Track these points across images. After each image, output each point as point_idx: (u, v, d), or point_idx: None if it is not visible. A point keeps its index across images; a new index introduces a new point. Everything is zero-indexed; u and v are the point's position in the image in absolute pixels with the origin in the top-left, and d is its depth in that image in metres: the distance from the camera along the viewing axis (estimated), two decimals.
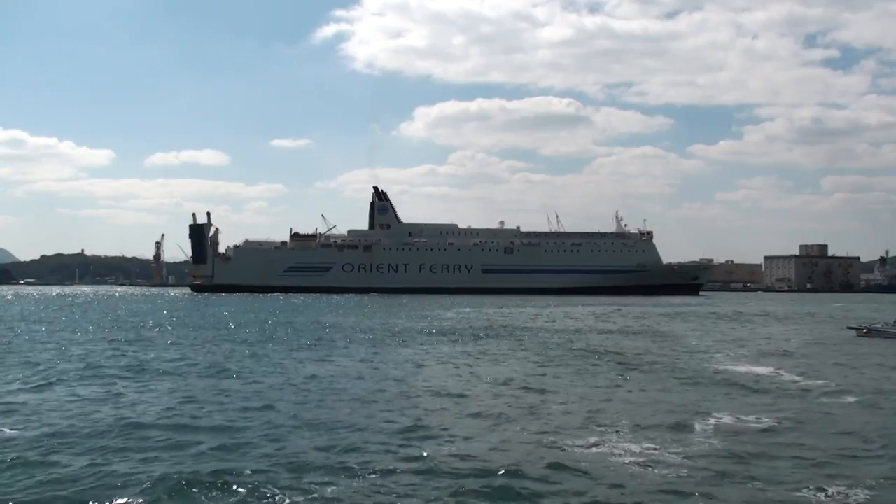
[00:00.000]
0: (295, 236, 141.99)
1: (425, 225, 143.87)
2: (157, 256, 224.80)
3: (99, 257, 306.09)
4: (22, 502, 10.40)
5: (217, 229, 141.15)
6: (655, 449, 13.34)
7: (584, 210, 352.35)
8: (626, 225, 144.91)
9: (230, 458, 12.65)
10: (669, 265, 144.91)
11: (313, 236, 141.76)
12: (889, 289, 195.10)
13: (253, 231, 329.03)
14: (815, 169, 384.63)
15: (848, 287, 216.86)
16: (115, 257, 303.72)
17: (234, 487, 10.94)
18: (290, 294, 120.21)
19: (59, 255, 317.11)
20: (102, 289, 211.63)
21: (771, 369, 25.14)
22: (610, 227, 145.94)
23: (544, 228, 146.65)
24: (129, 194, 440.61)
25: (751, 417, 16.36)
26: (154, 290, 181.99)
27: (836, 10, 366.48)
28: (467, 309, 71.84)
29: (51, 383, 20.90)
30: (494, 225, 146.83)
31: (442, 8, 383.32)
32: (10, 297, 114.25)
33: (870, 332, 39.03)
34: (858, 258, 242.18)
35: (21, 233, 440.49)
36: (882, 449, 13.71)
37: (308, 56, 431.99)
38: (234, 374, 23.41)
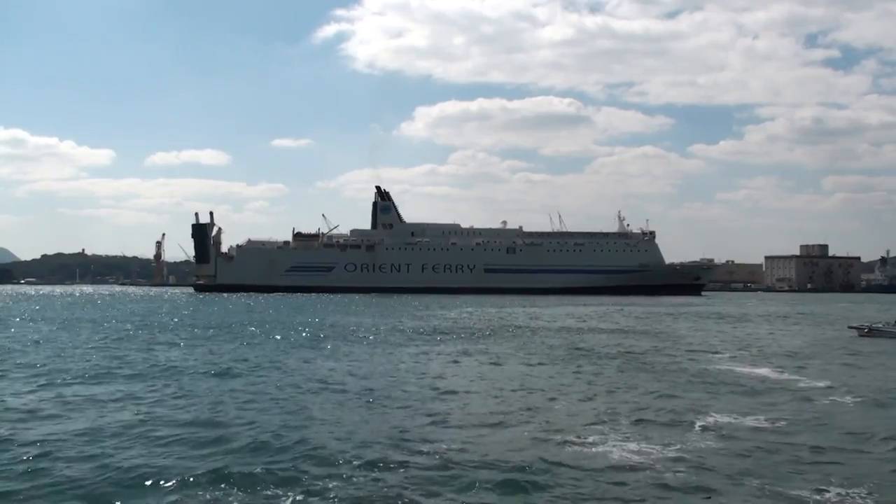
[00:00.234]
0: (298, 236, 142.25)
1: (428, 225, 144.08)
2: (158, 256, 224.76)
3: (99, 257, 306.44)
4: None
5: (220, 229, 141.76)
6: (655, 448, 13.48)
7: (585, 210, 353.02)
8: (628, 225, 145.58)
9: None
10: (672, 265, 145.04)
11: (316, 236, 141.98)
12: (890, 289, 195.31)
13: (253, 231, 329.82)
14: (815, 169, 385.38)
15: (848, 287, 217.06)
16: (115, 257, 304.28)
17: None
18: (294, 294, 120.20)
19: (59, 255, 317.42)
20: (104, 288, 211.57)
21: (772, 369, 25.26)
22: (612, 227, 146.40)
23: (546, 228, 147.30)
24: (129, 194, 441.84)
25: (751, 417, 16.46)
26: (157, 289, 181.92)
27: (836, 10, 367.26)
28: (470, 309, 72.03)
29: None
30: (496, 225, 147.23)
31: (442, 8, 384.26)
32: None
33: (871, 332, 39.19)
34: (859, 258, 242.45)
35: (22, 232, 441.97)
36: (883, 449, 13.85)
37: (309, 56, 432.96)
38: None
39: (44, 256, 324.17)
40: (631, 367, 25.52)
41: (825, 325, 51.85)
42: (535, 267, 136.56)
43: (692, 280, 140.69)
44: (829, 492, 11.01)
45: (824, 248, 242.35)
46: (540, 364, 26.65)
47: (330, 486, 11.07)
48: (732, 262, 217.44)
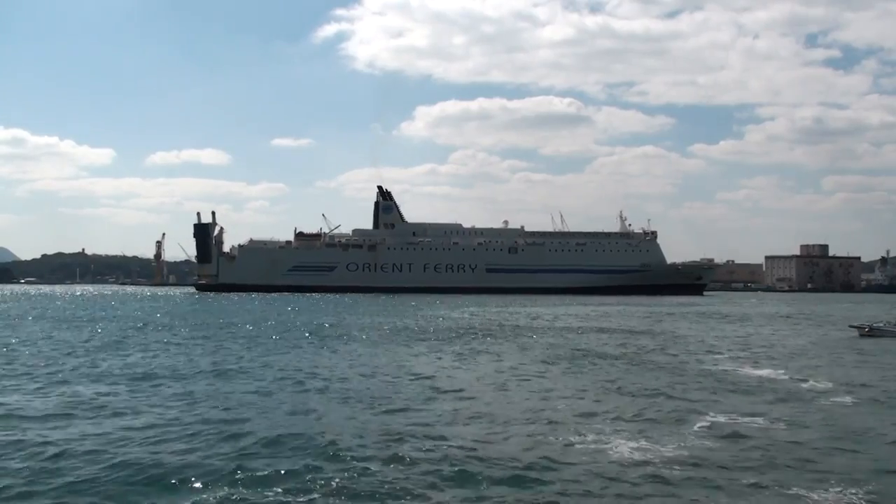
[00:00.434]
0: (299, 236, 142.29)
1: (429, 224, 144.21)
2: (158, 256, 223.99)
3: (100, 256, 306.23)
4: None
5: (222, 228, 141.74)
6: (656, 447, 13.61)
7: (586, 210, 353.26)
8: (630, 225, 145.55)
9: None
10: (674, 265, 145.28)
11: (318, 236, 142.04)
12: (890, 289, 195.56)
13: (253, 231, 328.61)
14: (816, 169, 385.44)
15: (849, 287, 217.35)
16: (115, 256, 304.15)
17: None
18: (296, 294, 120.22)
19: (59, 255, 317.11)
20: (105, 288, 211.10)
21: (773, 369, 25.43)
22: (613, 227, 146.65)
23: (547, 228, 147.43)
24: (129, 193, 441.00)
25: (751, 417, 16.56)
26: (158, 289, 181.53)
27: (837, 10, 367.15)
28: (472, 308, 72.25)
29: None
30: (496, 224, 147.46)
31: (443, 7, 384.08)
32: (33, 294, 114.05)
33: (871, 331, 39.37)
34: (859, 258, 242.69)
35: (22, 232, 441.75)
36: (883, 448, 13.97)
37: (309, 55, 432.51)
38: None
39: (44, 256, 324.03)
40: (632, 367, 25.74)
41: (826, 325, 52.01)
42: (537, 267, 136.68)
43: (694, 280, 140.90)
44: (828, 491, 11.09)
45: (824, 248, 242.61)
46: (541, 364, 26.86)
47: (332, 484, 11.23)
48: (733, 261, 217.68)
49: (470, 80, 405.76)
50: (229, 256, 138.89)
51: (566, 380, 22.73)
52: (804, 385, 21.67)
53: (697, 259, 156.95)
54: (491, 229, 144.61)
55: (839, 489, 11.17)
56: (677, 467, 12.29)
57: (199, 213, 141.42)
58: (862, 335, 39.27)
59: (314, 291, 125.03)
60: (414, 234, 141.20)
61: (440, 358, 28.63)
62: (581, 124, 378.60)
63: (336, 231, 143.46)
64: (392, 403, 18.19)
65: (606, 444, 13.86)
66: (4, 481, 11.42)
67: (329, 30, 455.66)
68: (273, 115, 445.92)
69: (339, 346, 33.50)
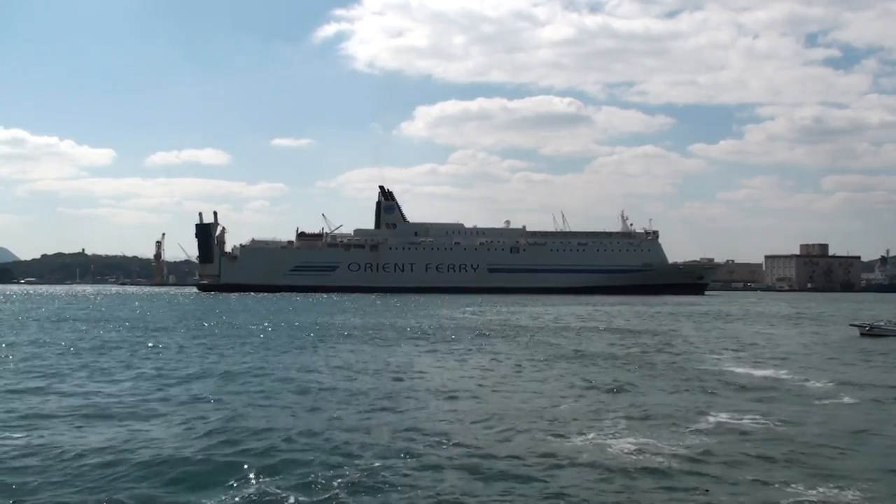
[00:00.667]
0: (301, 235, 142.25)
1: (431, 224, 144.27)
2: (158, 256, 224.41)
3: (100, 256, 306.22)
4: None
5: (224, 228, 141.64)
6: (656, 445, 13.71)
7: (586, 210, 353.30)
8: (631, 224, 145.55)
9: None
10: (675, 265, 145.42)
11: (319, 236, 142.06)
12: (890, 288, 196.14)
13: (253, 230, 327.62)
14: (816, 168, 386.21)
15: (849, 286, 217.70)
16: (115, 256, 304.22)
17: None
18: (298, 294, 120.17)
19: (59, 255, 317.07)
20: (105, 288, 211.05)
21: (773, 368, 25.54)
22: (613, 227, 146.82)
23: (548, 228, 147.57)
24: (129, 193, 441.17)
25: (751, 416, 16.63)
26: (159, 289, 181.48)
27: (836, 10, 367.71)
28: (474, 308, 72.33)
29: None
30: (497, 224, 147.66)
31: (443, 7, 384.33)
32: (38, 294, 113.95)
33: (872, 331, 39.44)
34: (859, 257, 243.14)
35: (22, 232, 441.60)
36: (882, 447, 14.04)
37: (309, 55, 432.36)
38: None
39: (44, 256, 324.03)
40: (634, 367, 25.83)
41: (827, 325, 52.09)
42: (539, 266, 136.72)
43: (695, 280, 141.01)
44: (828, 490, 11.13)
45: (824, 247, 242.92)
46: (543, 363, 26.97)
47: (334, 483, 11.34)
48: (733, 261, 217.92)
49: (470, 80, 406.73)
50: (231, 256, 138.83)
51: (567, 379, 22.82)
52: (805, 384, 21.79)
53: (697, 259, 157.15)
54: (493, 229, 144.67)
55: (839, 488, 11.20)
56: (678, 466, 12.38)
57: (201, 214, 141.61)
58: (863, 334, 39.35)
59: (316, 291, 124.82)
60: (416, 233, 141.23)
61: (441, 358, 28.73)
62: (581, 124, 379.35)
63: (338, 231, 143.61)
64: (391, 403, 18.31)
65: (607, 442, 13.94)
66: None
67: (329, 30, 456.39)
68: (273, 115, 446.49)
69: (353, 346, 33.66)
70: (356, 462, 12.45)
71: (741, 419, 16.26)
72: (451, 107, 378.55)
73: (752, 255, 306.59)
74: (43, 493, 10.95)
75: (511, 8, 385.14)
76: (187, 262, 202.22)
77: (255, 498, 10.69)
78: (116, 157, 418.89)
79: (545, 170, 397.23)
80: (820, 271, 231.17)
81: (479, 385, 21.60)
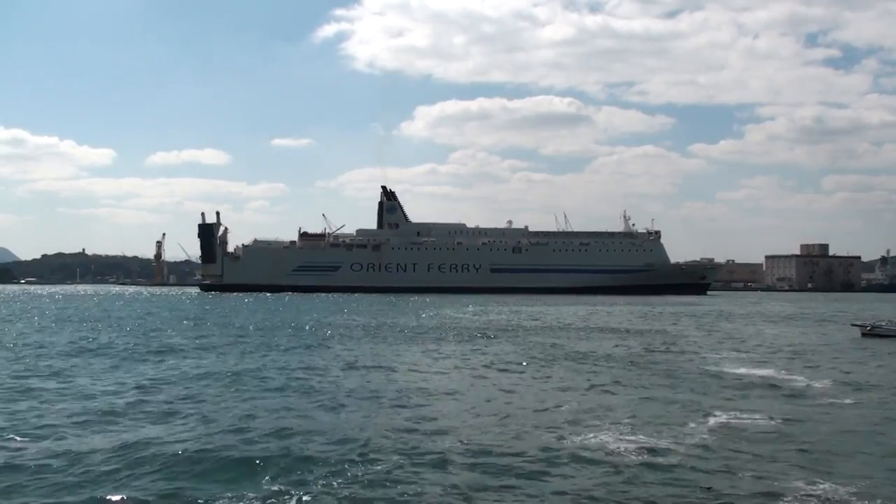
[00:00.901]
0: (304, 236, 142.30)
1: (433, 224, 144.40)
2: (158, 256, 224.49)
3: (100, 256, 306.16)
4: None
5: (226, 228, 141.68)
6: (656, 444, 13.85)
7: (586, 210, 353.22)
8: (633, 224, 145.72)
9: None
10: (677, 265, 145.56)
11: (322, 236, 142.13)
12: (890, 288, 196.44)
13: (253, 231, 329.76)
14: (816, 168, 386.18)
15: (849, 286, 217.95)
16: (115, 256, 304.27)
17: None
18: (301, 294, 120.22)
19: (60, 255, 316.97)
20: (109, 288, 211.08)
21: (774, 368, 25.71)
22: (613, 227, 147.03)
23: (550, 228, 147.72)
24: (130, 193, 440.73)
25: (751, 415, 16.75)
26: (161, 289, 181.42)
27: (836, 10, 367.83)
28: (476, 308, 72.54)
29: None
30: (497, 224, 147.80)
31: (443, 7, 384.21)
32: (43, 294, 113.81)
33: (873, 331, 39.49)
34: (859, 257, 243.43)
35: (22, 232, 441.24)
36: (882, 447, 14.13)
37: (309, 55, 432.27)
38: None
39: (44, 256, 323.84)
40: (635, 367, 26.06)
41: (829, 324, 52.15)
42: (541, 266, 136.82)
43: (698, 279, 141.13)
44: (827, 489, 11.24)
45: (825, 247, 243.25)
46: (545, 363, 27.16)
47: (334, 483, 11.49)
48: (733, 261, 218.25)
49: (470, 80, 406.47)
50: (234, 256, 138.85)
51: (569, 379, 23.02)
52: (805, 384, 21.91)
53: (697, 259, 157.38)
54: (495, 229, 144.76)
55: (840, 487, 11.31)
56: (678, 464, 12.51)
57: (203, 213, 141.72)
58: (864, 334, 39.36)
59: (318, 291, 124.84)
60: (418, 233, 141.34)
61: (445, 357, 28.98)
62: (581, 124, 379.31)
63: (340, 231, 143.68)
64: (394, 402, 18.50)
65: (608, 441, 14.08)
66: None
67: (329, 30, 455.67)
68: (273, 115, 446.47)
69: (356, 346, 33.91)
70: (360, 461, 12.62)
71: (742, 418, 16.42)
72: (452, 107, 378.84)
73: (752, 255, 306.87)
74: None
75: (511, 8, 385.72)
76: (187, 262, 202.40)
77: (256, 497, 10.80)
78: (116, 157, 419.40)
79: (545, 170, 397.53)
80: (820, 271, 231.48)
81: (481, 385, 21.78)
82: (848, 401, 19.19)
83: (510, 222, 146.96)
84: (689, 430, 15.20)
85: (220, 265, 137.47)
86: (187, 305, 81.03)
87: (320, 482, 11.43)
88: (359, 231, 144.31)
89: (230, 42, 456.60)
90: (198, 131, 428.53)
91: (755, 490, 11.20)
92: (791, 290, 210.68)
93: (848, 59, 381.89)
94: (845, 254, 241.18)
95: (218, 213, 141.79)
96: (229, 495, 10.81)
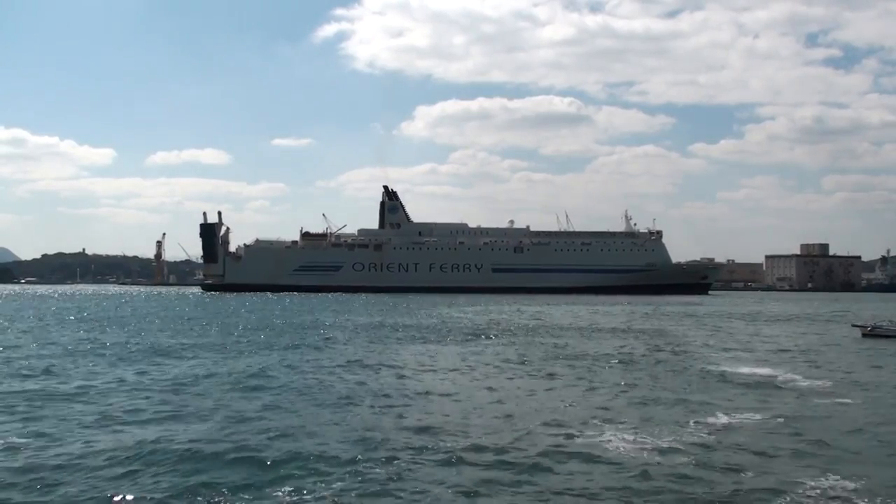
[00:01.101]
0: (305, 235, 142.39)
1: (435, 224, 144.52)
2: (159, 255, 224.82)
3: (100, 256, 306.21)
4: None
5: (228, 228, 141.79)
6: (657, 443, 13.96)
7: (587, 210, 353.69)
8: (635, 224, 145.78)
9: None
10: (679, 264, 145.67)
11: (324, 235, 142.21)
12: (890, 288, 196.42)
13: (253, 231, 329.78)
14: (816, 168, 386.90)
15: (849, 286, 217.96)
16: (116, 256, 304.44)
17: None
18: (303, 293, 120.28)
19: (60, 255, 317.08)
20: (110, 288, 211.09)
21: (776, 367, 25.83)
22: (614, 226, 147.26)
23: (551, 227, 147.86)
24: (130, 193, 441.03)
25: (751, 415, 16.87)
26: (163, 289, 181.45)
27: (837, 10, 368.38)
28: (478, 308, 72.66)
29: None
30: (498, 223, 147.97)
31: (443, 7, 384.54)
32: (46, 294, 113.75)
33: (874, 331, 39.46)
34: (860, 257, 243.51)
35: (22, 232, 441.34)
36: (882, 446, 14.26)
37: (309, 55, 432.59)
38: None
39: (44, 256, 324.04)
40: (636, 366, 26.24)
41: (830, 325, 52.23)
42: (543, 266, 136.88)
43: (699, 279, 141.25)
44: (828, 487, 11.37)
45: (825, 247, 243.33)
46: (547, 363, 27.27)
47: (337, 483, 11.59)
48: (733, 261, 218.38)
49: (470, 80, 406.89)
50: (235, 256, 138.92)
51: (571, 378, 23.13)
52: (806, 384, 21.99)
53: (698, 259, 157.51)
54: (496, 229, 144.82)
55: (840, 486, 11.43)
56: (679, 464, 12.64)
57: (205, 213, 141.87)
58: (864, 335, 39.27)
59: (320, 291, 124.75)
60: (420, 233, 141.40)
61: (447, 357, 29.13)
62: (581, 124, 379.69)
63: (342, 231, 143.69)
64: (397, 401, 18.68)
65: (609, 441, 14.20)
66: None
67: (329, 30, 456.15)
68: (273, 114, 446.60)
69: (360, 346, 34.24)
70: (363, 460, 12.75)
71: (744, 418, 16.58)
72: (452, 106, 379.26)
73: (752, 255, 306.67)
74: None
75: (511, 8, 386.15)
76: (187, 261, 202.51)
77: (257, 498, 10.90)
78: (117, 157, 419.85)
79: (545, 170, 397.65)
80: (820, 271, 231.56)
81: (483, 384, 21.89)
82: (848, 399, 19.35)
83: (512, 222, 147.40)
84: (690, 429, 15.36)
85: (221, 265, 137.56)
86: (192, 305, 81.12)
87: (323, 482, 11.53)
88: (360, 231, 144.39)
89: (230, 42, 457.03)
90: (198, 131, 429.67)
91: (756, 489, 11.34)
92: (791, 290, 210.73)
93: (848, 58, 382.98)
94: (845, 254, 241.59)
95: (220, 213, 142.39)
96: (233, 495, 10.93)
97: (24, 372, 23.51)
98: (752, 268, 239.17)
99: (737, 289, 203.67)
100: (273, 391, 20.19)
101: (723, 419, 16.34)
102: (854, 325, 43.35)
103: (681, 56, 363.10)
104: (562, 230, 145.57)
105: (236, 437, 14.50)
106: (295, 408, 17.78)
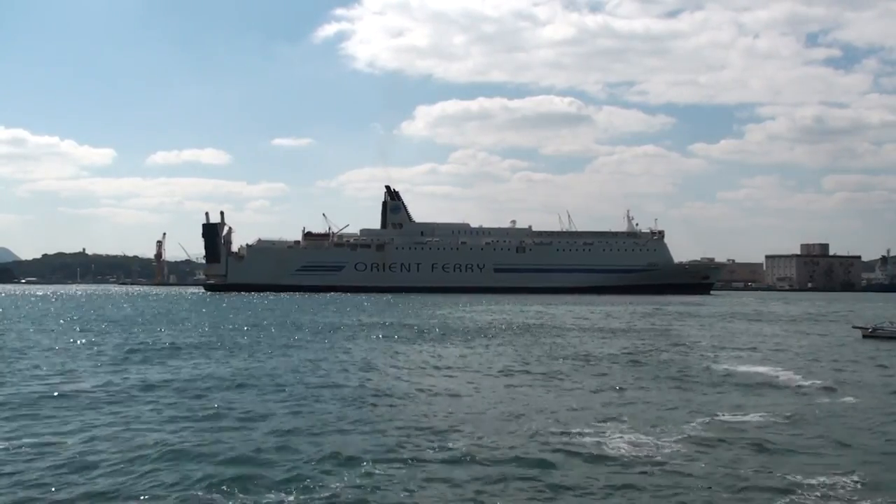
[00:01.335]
0: (308, 235, 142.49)
1: (437, 224, 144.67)
2: (159, 255, 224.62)
3: (100, 256, 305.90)
4: None
5: (230, 228, 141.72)
6: (657, 443, 14.13)
7: (587, 210, 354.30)
8: (637, 224, 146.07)
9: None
10: (681, 264, 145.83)
11: (326, 235, 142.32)
12: (890, 287, 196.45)
13: (253, 230, 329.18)
14: (816, 168, 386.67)
15: (849, 286, 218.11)
16: (116, 256, 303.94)
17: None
18: (306, 293, 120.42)
19: (60, 254, 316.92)
20: (111, 288, 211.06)
21: (777, 367, 26.04)
22: (614, 226, 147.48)
23: (552, 227, 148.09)
24: (130, 193, 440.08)
25: (752, 415, 16.99)
26: (165, 289, 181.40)
27: (837, 10, 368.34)
28: (480, 308, 72.90)
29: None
30: (499, 223, 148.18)
31: (443, 7, 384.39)
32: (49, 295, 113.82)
33: (875, 333, 39.48)
34: (860, 257, 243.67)
35: (23, 232, 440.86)
36: (883, 445, 14.40)
37: (309, 55, 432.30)
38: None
39: (44, 256, 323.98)
40: (637, 366, 26.49)
41: (830, 325, 52.33)
42: (545, 266, 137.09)
43: (701, 279, 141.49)
44: (829, 487, 11.50)
45: (825, 247, 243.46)
46: (549, 362, 27.52)
47: (339, 483, 11.70)
48: (733, 261, 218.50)
49: (470, 80, 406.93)
50: (238, 256, 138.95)
51: (574, 379, 23.34)
52: (807, 383, 22.20)
53: (698, 258, 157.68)
54: (498, 229, 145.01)
55: (839, 486, 11.56)
56: (679, 463, 12.78)
57: (207, 213, 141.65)
58: (865, 336, 39.29)
59: (322, 291, 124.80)
60: (422, 233, 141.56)
61: (448, 357, 29.38)
62: (581, 124, 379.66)
63: (344, 231, 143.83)
64: (400, 401, 18.87)
65: (609, 440, 14.34)
66: None
67: (329, 30, 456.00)
68: (273, 114, 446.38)
69: (362, 345, 34.76)
70: (366, 460, 12.87)
71: (745, 417, 16.75)
72: (452, 106, 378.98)
73: (752, 254, 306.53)
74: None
75: (511, 8, 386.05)
76: (187, 261, 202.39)
77: (260, 498, 10.98)
78: (117, 157, 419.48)
79: (545, 169, 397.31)
80: (820, 271, 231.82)
81: (485, 384, 22.11)
82: (849, 399, 19.55)
83: (514, 222, 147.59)
84: (691, 428, 15.50)
85: (224, 265, 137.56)
86: (197, 305, 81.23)
87: (325, 482, 11.61)
88: (363, 231, 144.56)
89: (230, 42, 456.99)
90: (198, 131, 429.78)
91: (758, 489, 11.46)
92: (791, 289, 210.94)
93: (848, 58, 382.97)
94: (845, 253, 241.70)
95: (222, 213, 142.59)
96: (234, 495, 11.05)
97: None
98: (753, 268, 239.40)
99: (737, 289, 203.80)
100: (278, 392, 20.35)
101: (724, 418, 16.53)
102: (855, 327, 43.37)
103: (681, 56, 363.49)
104: (564, 230, 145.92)
105: (238, 436, 14.69)
106: (300, 407, 17.91)
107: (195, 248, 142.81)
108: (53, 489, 11.29)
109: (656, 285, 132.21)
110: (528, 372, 24.84)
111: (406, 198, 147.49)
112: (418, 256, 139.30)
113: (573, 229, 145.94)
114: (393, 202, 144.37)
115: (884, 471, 12.48)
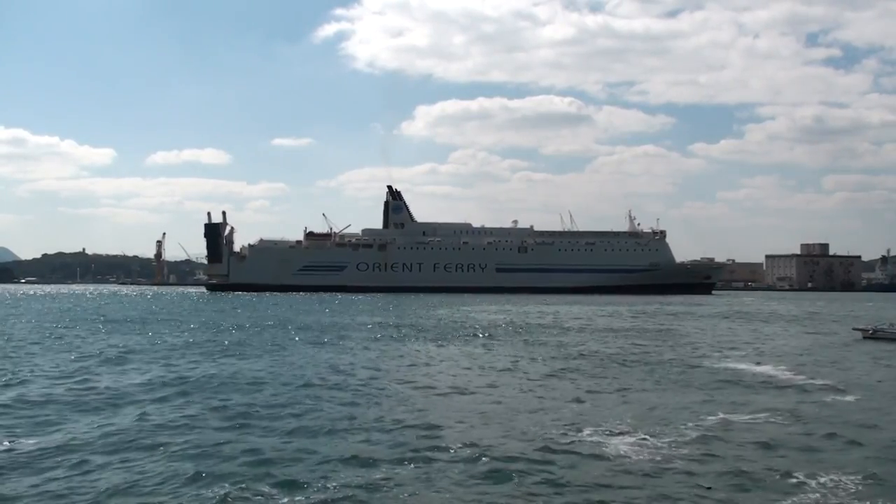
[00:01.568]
0: (310, 235, 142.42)
1: (439, 224, 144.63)
2: (159, 255, 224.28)
3: (100, 256, 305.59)
4: None
5: (232, 228, 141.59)
6: (658, 443, 14.25)
7: (587, 210, 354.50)
8: (639, 224, 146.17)
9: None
10: (682, 264, 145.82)
11: (328, 235, 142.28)
12: (890, 287, 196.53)
13: (253, 230, 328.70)
14: (816, 168, 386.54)
15: (849, 286, 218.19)
16: (116, 256, 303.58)
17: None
18: (308, 293, 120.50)
19: (60, 254, 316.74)
20: (112, 287, 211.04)
21: (776, 368, 26.23)
22: (615, 226, 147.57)
23: (553, 227, 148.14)
24: (130, 193, 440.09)
25: (752, 415, 17.12)
26: (166, 289, 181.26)
27: (837, 10, 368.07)
28: (481, 308, 72.94)
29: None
30: (499, 223, 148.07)
31: (443, 7, 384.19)
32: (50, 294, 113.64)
33: (875, 334, 39.53)
34: (860, 257, 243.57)
35: (23, 231, 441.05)
36: (883, 445, 14.47)
37: (309, 55, 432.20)
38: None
39: (44, 256, 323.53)
40: (639, 366, 26.66)
41: (830, 326, 52.50)
42: (547, 266, 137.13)
43: (702, 279, 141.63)
44: (829, 486, 11.61)
45: (825, 246, 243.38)
46: (551, 362, 27.67)
47: (341, 483, 11.80)
48: (733, 261, 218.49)
49: (470, 80, 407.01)
50: (240, 256, 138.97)
51: (573, 378, 23.50)
52: (807, 383, 22.39)
53: (698, 258, 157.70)
54: (500, 229, 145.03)
55: (840, 486, 11.66)
56: (679, 463, 12.89)
57: (209, 213, 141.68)
58: (865, 337, 39.40)
59: (324, 291, 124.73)
60: (424, 233, 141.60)
61: (449, 356, 29.55)
62: (581, 124, 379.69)
63: (346, 231, 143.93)
64: (403, 401, 19.01)
65: (610, 440, 14.46)
66: None
67: (329, 29, 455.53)
68: (273, 114, 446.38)
69: (364, 345, 34.79)
70: (368, 459, 12.99)
71: (745, 417, 16.89)
72: (452, 106, 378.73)
73: (752, 254, 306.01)
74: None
75: (511, 7, 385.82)
76: (187, 261, 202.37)
77: (263, 499, 11.08)
78: (117, 157, 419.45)
79: (545, 169, 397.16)
80: (820, 271, 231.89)
81: (488, 384, 22.20)
82: (849, 398, 19.73)
83: (515, 222, 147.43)
84: (692, 428, 15.63)
85: (226, 265, 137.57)
86: (200, 305, 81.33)
87: (327, 482, 11.72)
88: (364, 231, 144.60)
89: (230, 42, 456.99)
90: (198, 131, 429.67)
91: (756, 489, 11.58)
92: (791, 289, 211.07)
93: (848, 58, 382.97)
94: (845, 253, 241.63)
95: (224, 213, 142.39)
96: (241, 494, 11.18)
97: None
98: (753, 268, 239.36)
99: (737, 289, 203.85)
100: (284, 391, 20.47)
101: (725, 418, 16.65)
102: (855, 329, 43.42)
103: (681, 56, 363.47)
104: (565, 230, 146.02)
105: (239, 436, 14.83)
106: (303, 408, 18.03)
107: (195, 248, 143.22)
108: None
109: (658, 285, 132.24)
110: (530, 371, 24.98)
111: (406, 198, 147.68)
112: (420, 256, 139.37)
113: (575, 229, 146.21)
114: (395, 202, 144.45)
115: (886, 471, 12.58)
